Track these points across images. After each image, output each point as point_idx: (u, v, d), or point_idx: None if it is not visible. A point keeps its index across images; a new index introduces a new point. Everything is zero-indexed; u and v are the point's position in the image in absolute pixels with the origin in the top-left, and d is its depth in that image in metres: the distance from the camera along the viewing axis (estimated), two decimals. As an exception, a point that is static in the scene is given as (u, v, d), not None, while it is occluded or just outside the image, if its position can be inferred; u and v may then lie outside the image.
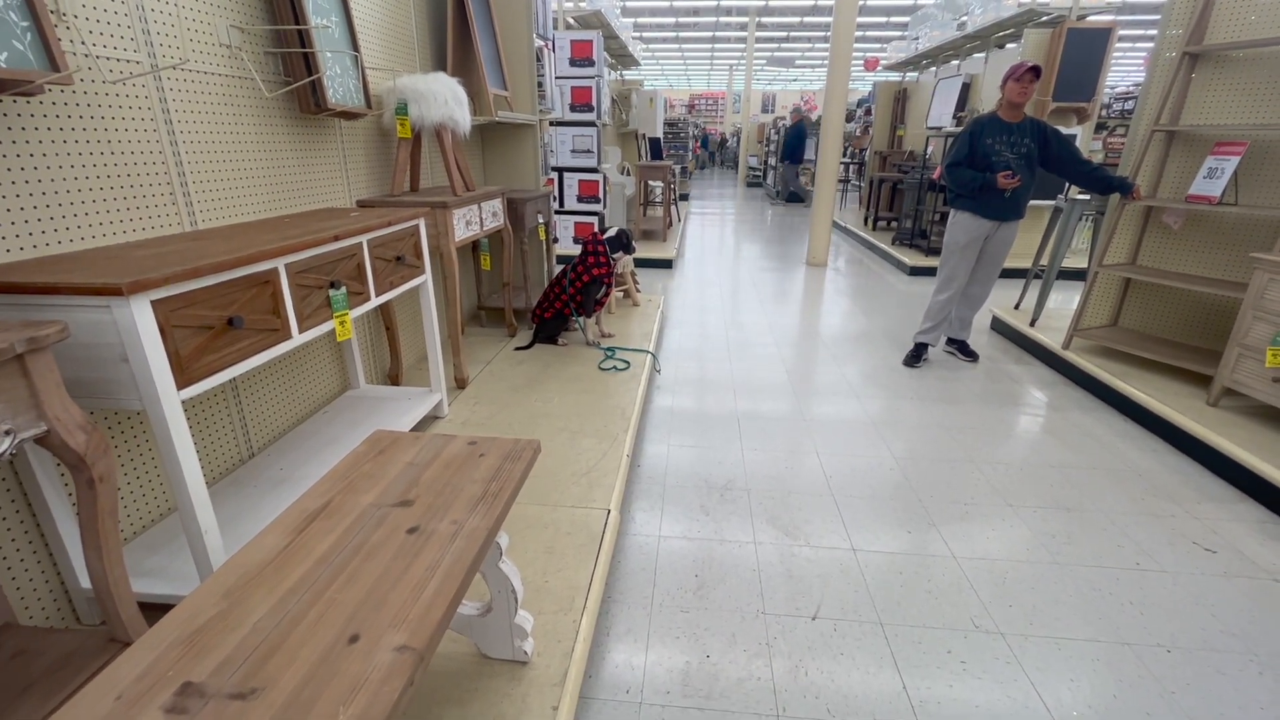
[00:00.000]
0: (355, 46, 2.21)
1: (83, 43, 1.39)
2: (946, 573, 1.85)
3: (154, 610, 1.30)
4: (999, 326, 4.19)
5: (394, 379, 2.75)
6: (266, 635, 0.81)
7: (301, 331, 1.57)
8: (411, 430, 2.30)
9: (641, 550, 1.94)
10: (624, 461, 2.19)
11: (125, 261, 1.27)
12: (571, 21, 6.33)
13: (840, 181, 12.03)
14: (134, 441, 1.57)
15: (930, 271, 5.68)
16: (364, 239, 1.85)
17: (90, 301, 1.11)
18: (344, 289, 1.72)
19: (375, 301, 1.92)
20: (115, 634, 1.19)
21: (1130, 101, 9.83)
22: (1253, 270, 2.50)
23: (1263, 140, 2.87)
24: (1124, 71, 18.72)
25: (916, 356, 3.58)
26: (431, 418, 2.49)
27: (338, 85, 2.09)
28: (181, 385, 1.22)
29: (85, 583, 1.38)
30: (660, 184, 7.83)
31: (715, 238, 8.20)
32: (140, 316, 1.12)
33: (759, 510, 2.16)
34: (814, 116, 12.68)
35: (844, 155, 11.78)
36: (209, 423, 1.82)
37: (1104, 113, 9.63)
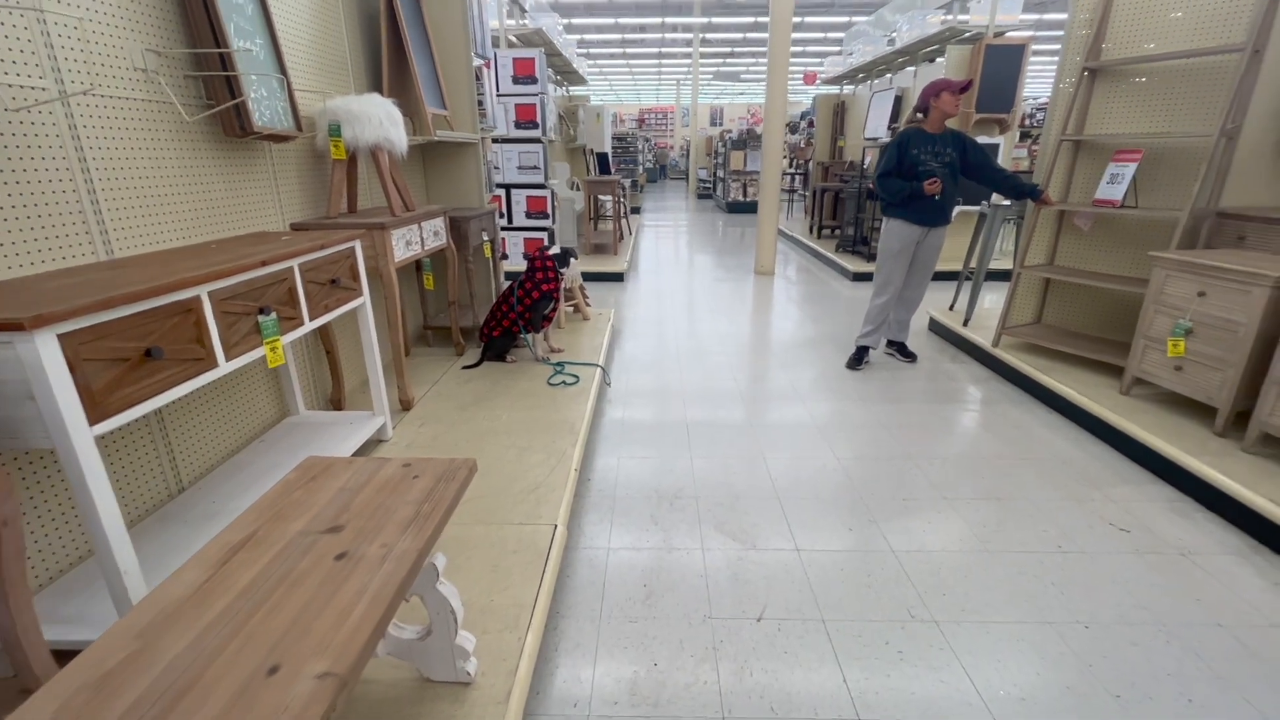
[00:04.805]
0: (282, 69, 2.18)
1: (-19, 70, 1.34)
2: (885, 567, 1.92)
3: (72, 658, 1.24)
4: (935, 327, 4.38)
5: (336, 403, 2.69)
6: (181, 673, 0.80)
7: (229, 359, 1.53)
8: (354, 455, 2.25)
9: (591, 564, 1.95)
10: (572, 476, 2.20)
11: (32, 294, 1.22)
12: (514, 40, 6.35)
13: (786, 192, 12.39)
14: (48, 481, 1.50)
15: (871, 277, 5.90)
16: (295, 263, 1.82)
17: (-10, 338, 1.07)
18: (274, 315, 1.69)
19: (309, 326, 1.88)
20: (27, 684, 1.13)
21: (1050, 111, 10.44)
22: (1152, 267, 2.69)
23: (1156, 147, 3.11)
24: (1045, 84, 19.89)
25: (859, 359, 3.70)
26: (375, 441, 2.44)
27: (264, 108, 2.06)
28: (94, 420, 1.18)
29: (-6, 634, 1.30)
30: (610, 198, 7.90)
31: (667, 250, 8.30)
32: (46, 352, 1.08)
33: (707, 517, 2.19)
34: (759, 130, 13.02)
35: (789, 166, 12.14)
36: (132, 456, 1.75)
37: (1028, 122, 10.20)
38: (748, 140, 12.06)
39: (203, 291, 1.45)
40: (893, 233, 3.47)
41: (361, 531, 1.09)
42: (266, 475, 1.97)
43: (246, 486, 1.91)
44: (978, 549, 2.00)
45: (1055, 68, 3.39)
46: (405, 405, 2.75)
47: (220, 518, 1.75)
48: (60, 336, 1.12)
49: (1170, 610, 1.73)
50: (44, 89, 1.47)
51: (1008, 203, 4.01)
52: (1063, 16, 12.50)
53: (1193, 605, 1.75)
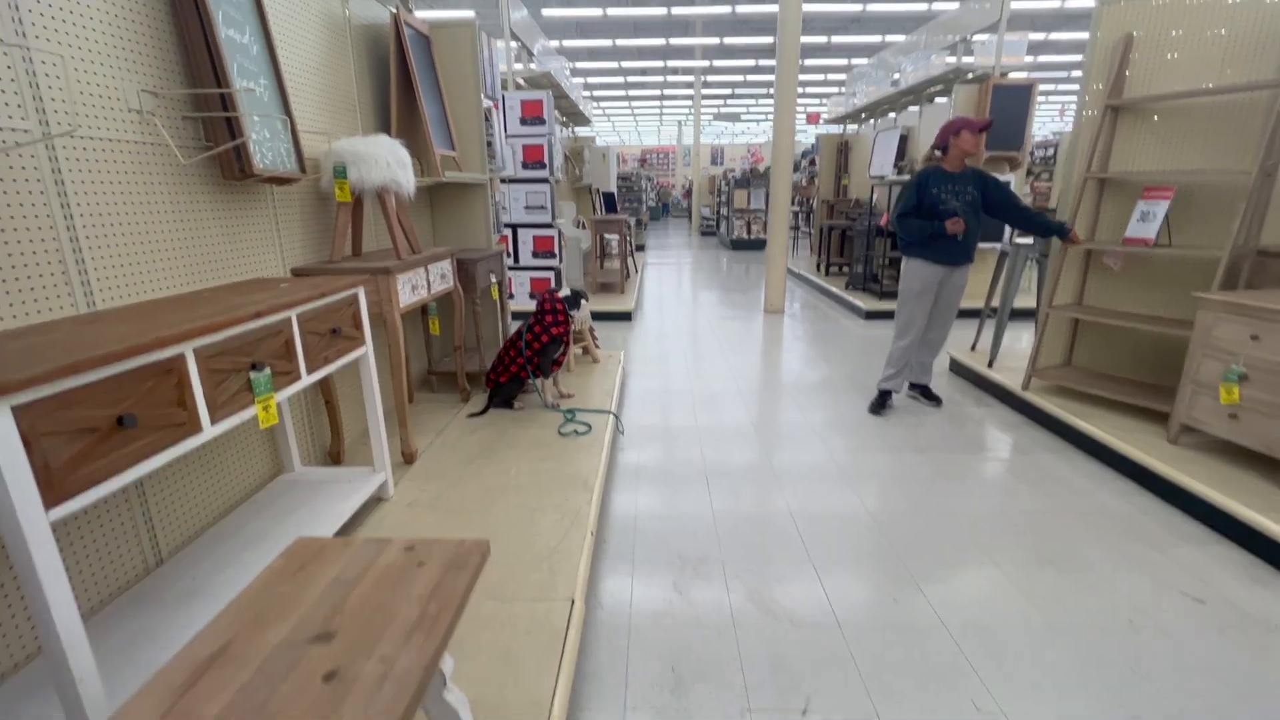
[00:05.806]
0: (287, 110, 2.09)
1: (-46, 110, 1.23)
2: (940, 646, 1.72)
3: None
4: (957, 368, 4.22)
5: (336, 457, 2.53)
6: None
7: (215, 423, 1.38)
8: (354, 515, 2.09)
9: (611, 642, 1.75)
10: (588, 540, 2.02)
11: (-10, 357, 1.08)
12: (521, 82, 6.40)
13: (791, 229, 12.42)
14: (4, 562, 1.33)
15: (885, 315, 5.78)
16: (292, 313, 1.68)
17: (-70, 413, 0.92)
18: (267, 370, 1.54)
19: (306, 381, 1.74)
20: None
21: (1049, 150, 10.51)
22: (1198, 310, 2.56)
23: (1187, 184, 3.01)
24: (1040, 121, 20.27)
25: (881, 404, 3.54)
26: (376, 499, 2.27)
27: (266, 150, 1.96)
28: (52, 503, 1.02)
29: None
30: (616, 237, 7.86)
31: (673, 288, 8.23)
32: (-5, 427, 0.93)
33: (735, 585, 2.00)
34: (761, 168, 13.15)
35: (793, 204, 12.20)
36: (104, 528, 1.58)
37: (1028, 160, 10.25)
38: (751, 179, 12.15)
39: (186, 349, 1.30)
40: (914, 273, 3.35)
41: (356, 641, 0.92)
42: (255, 544, 1.79)
43: (232, 558, 1.73)
44: (1040, 625, 1.80)
45: (1056, 107, 3.32)
46: (408, 458, 2.58)
47: (201, 596, 1.57)
48: (15, 409, 0.97)
49: (1274, 703, 1.53)
50: (26, 130, 1.36)
51: (1029, 241, 3.91)
52: (1060, 58, 12.77)
53: (1294, 694, 1.55)
